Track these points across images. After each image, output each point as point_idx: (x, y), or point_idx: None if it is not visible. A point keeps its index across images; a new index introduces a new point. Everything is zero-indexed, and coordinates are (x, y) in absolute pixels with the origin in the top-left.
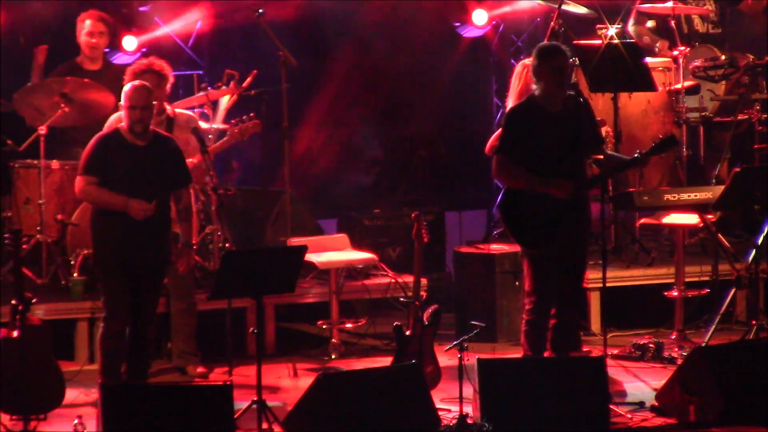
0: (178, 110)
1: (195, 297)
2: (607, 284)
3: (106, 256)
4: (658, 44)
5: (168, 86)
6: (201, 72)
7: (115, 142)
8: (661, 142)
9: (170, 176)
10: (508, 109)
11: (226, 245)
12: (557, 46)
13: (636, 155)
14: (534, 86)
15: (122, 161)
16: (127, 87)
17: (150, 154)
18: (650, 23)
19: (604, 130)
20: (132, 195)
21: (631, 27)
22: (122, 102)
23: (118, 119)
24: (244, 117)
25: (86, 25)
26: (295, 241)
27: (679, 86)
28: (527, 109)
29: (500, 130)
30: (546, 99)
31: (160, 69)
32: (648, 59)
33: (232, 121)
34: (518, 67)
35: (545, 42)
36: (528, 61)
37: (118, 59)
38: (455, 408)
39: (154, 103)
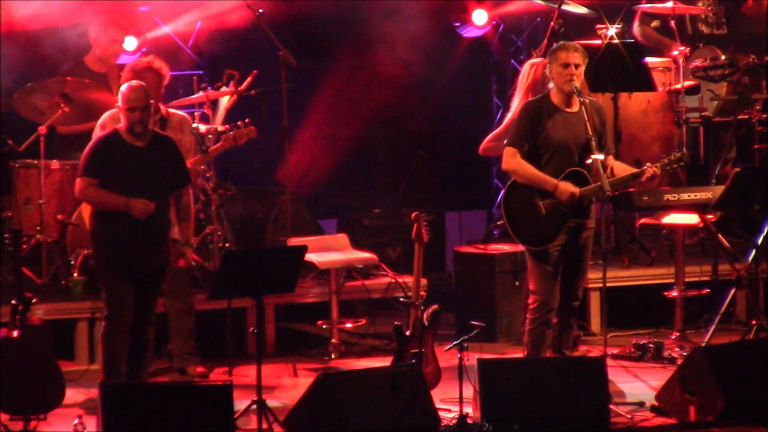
0: (171, 110)
1: (192, 297)
2: (607, 284)
3: (107, 257)
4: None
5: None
6: (201, 72)
7: (115, 143)
8: (674, 159)
9: (170, 176)
10: (512, 105)
11: (226, 245)
12: (564, 43)
13: (642, 169)
14: (550, 85)
15: (122, 162)
16: (124, 88)
17: (150, 155)
18: (655, 23)
19: None
20: (133, 196)
21: (636, 28)
22: (119, 103)
23: (111, 117)
24: (239, 123)
25: (109, 34)
26: (295, 241)
27: (679, 86)
28: (539, 106)
29: (495, 131)
30: (558, 97)
31: (159, 68)
32: (648, 59)
33: (226, 126)
34: (525, 66)
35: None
36: (536, 59)
37: (119, 59)
38: (455, 408)
39: (151, 102)
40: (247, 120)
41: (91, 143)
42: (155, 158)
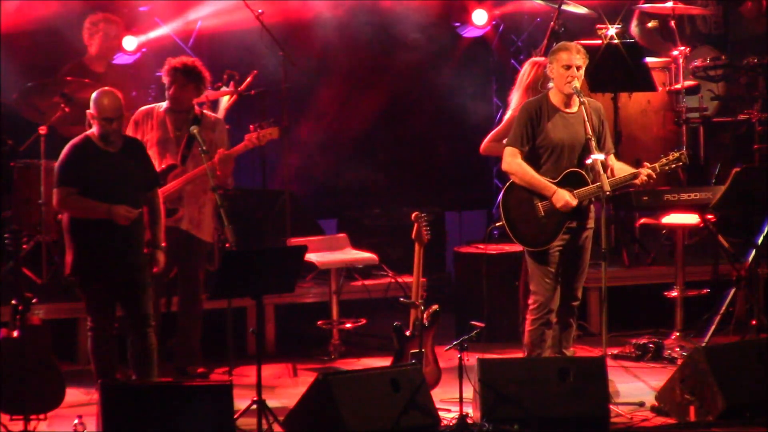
0: (206, 112)
1: (202, 299)
2: (607, 284)
3: (88, 265)
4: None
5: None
6: None
7: (88, 150)
8: (673, 159)
9: (143, 180)
10: (511, 102)
11: (226, 245)
12: (565, 44)
13: (639, 170)
14: (549, 85)
15: (97, 169)
16: (98, 96)
17: (122, 160)
18: (652, 23)
19: None
20: (109, 202)
21: (634, 28)
22: (93, 111)
23: (145, 113)
24: (263, 123)
25: (101, 28)
26: (295, 241)
27: (679, 86)
28: (539, 106)
29: (494, 130)
30: (557, 97)
31: (203, 71)
32: (648, 59)
33: (251, 126)
34: (527, 65)
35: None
36: (538, 58)
37: (118, 59)
38: (455, 408)
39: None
40: (271, 120)
41: (64, 152)
42: (128, 163)
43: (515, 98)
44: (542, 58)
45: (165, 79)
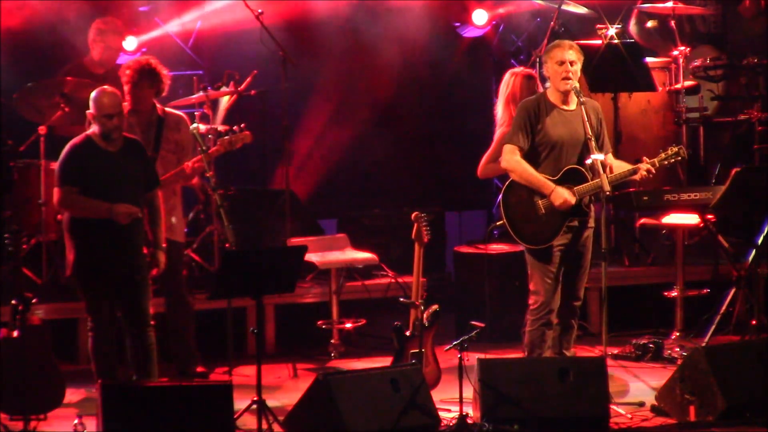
0: (168, 110)
1: (189, 296)
2: (607, 284)
3: (88, 265)
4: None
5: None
6: (201, 72)
7: (89, 149)
8: (671, 153)
9: (142, 180)
10: (497, 117)
11: (226, 245)
12: (558, 41)
13: (640, 164)
14: (546, 84)
15: (98, 168)
16: (97, 95)
17: (123, 159)
18: (651, 23)
19: None
20: (110, 201)
21: (633, 26)
22: (93, 110)
23: None
24: (235, 128)
25: (105, 39)
26: (295, 241)
27: (679, 86)
28: (537, 104)
29: (488, 152)
30: (555, 95)
31: (156, 66)
32: (648, 59)
33: (226, 126)
34: (506, 75)
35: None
36: (516, 69)
37: (119, 60)
38: (455, 408)
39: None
40: (242, 125)
41: (65, 151)
42: (128, 162)
43: (499, 112)
44: (521, 68)
45: (122, 80)
